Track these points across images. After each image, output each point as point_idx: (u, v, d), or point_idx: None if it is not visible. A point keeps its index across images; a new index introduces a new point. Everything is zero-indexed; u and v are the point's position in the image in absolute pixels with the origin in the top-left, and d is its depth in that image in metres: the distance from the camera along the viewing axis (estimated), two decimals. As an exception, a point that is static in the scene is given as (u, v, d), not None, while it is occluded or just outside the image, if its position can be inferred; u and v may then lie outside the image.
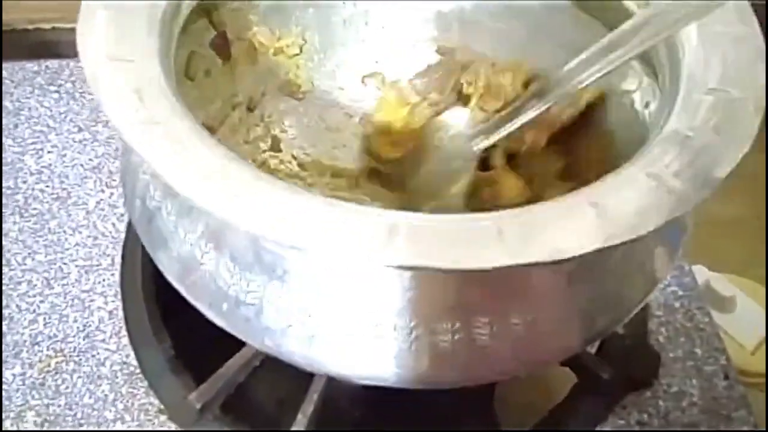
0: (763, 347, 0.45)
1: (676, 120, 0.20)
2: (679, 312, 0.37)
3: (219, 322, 0.22)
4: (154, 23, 0.22)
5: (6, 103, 0.43)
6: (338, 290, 0.20)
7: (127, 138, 0.18)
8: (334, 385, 0.34)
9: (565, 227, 0.17)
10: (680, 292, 0.38)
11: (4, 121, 0.41)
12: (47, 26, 0.58)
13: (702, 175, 0.18)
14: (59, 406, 0.32)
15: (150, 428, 0.31)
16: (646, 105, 0.28)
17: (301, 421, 0.29)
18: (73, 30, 0.55)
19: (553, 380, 0.35)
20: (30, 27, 0.58)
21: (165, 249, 0.22)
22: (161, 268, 0.23)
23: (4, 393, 0.32)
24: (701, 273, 0.47)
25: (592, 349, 0.34)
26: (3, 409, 0.31)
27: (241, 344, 0.31)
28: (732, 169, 0.18)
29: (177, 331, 0.34)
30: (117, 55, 0.20)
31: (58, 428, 0.31)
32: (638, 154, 0.19)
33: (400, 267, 0.16)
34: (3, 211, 0.38)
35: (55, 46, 0.56)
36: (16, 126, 0.41)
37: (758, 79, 0.21)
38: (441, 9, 0.36)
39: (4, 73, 0.44)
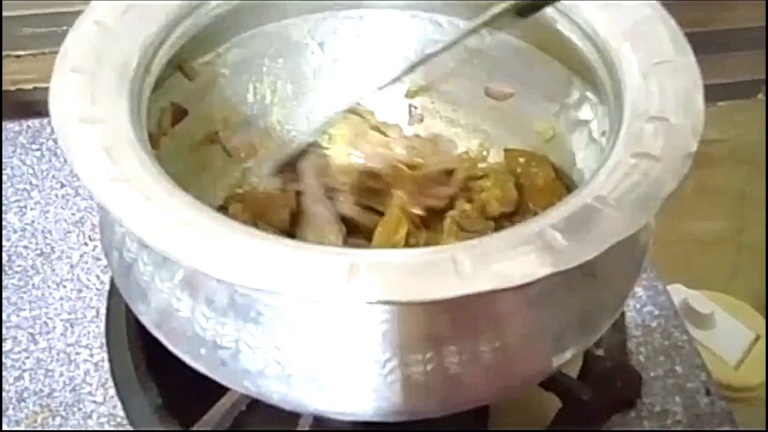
0: (747, 361, 0.45)
1: (620, 148, 0.21)
2: (656, 331, 0.38)
3: (198, 367, 0.23)
4: (125, 82, 0.23)
5: (-11, 163, 0.43)
6: (309, 329, 0.21)
7: (97, 195, 0.19)
8: (322, 423, 0.34)
9: (514, 256, 0.17)
10: (656, 312, 0.39)
11: (-13, 182, 0.42)
12: (28, 87, 0.60)
13: (644, 199, 0.19)
14: (46, 462, 0.32)
15: (138, 479, 0.31)
16: (603, 134, 0.30)
17: (287, 462, 0.29)
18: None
19: (540, 406, 0.35)
20: (12, 88, 0.60)
21: (143, 299, 0.23)
22: (140, 317, 0.24)
23: (-11, 453, 0.32)
24: (679, 292, 0.47)
25: (574, 374, 0.35)
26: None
27: (227, 389, 0.32)
28: (672, 190, 0.19)
29: (163, 380, 0.34)
30: (87, 116, 0.21)
31: (45, 485, 0.31)
32: (583, 183, 0.20)
33: (363, 302, 0.16)
34: (-13, 270, 0.38)
35: (36, 105, 0.57)
36: (-2, 186, 0.42)
37: (695, 105, 0.22)
38: (407, 55, 0.38)
39: (-13, 135, 0.45)
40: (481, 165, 0.37)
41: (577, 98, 0.33)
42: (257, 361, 0.21)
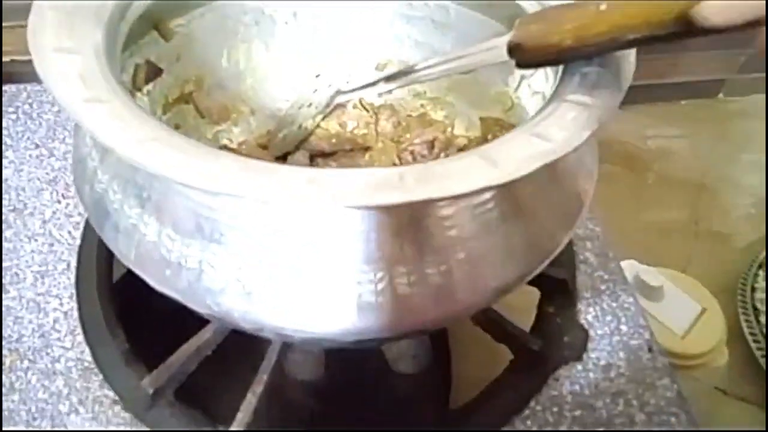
0: (693, 331, 0.48)
1: (556, 93, 0.23)
2: (605, 293, 0.40)
3: (163, 289, 0.24)
4: (101, 22, 0.24)
5: (-36, 124, 0.44)
6: (268, 249, 0.22)
7: (72, 114, 0.20)
8: (286, 372, 0.35)
9: (458, 173, 0.19)
10: (606, 276, 0.41)
11: (-39, 141, 0.43)
12: (6, 59, 0.60)
13: (575, 129, 0.21)
14: (13, 401, 0.32)
15: (104, 419, 0.32)
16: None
17: (250, 400, 0.31)
18: (29, 62, 0.57)
19: (500, 357, 0.37)
20: (-10, 60, 0.60)
21: (113, 226, 0.24)
22: (109, 245, 0.25)
23: (-43, 393, 0.32)
24: (632, 267, 0.50)
25: (526, 328, 0.37)
26: (-43, 408, 0.32)
27: (191, 335, 0.33)
28: (598, 125, 0.21)
29: (131, 330, 0.35)
30: (64, 47, 0.22)
31: (12, 424, 0.32)
32: (525, 121, 0.22)
33: (317, 206, 0.18)
34: (-41, 223, 0.39)
35: (13, 76, 0.57)
36: (-27, 144, 0.43)
37: (628, 59, 0.24)
38: (378, 28, 0.39)
39: (-37, 97, 0.46)
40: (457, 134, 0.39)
41: (533, 70, 0.35)
42: (219, 281, 0.23)
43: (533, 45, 0.25)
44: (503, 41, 0.26)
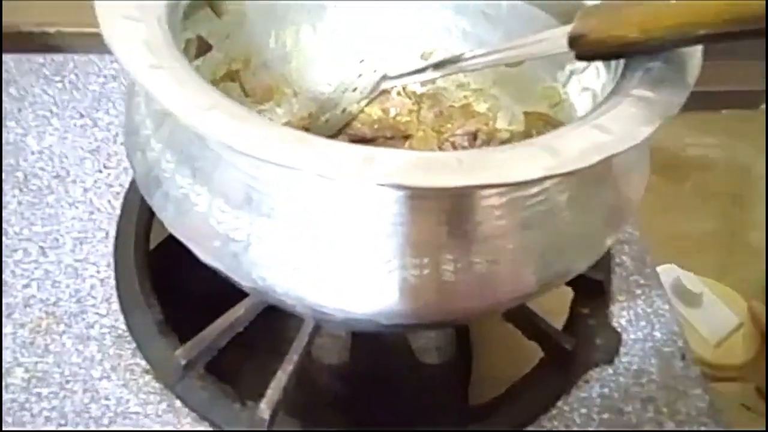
0: (727, 343, 0.47)
1: (618, 88, 0.23)
2: (640, 298, 0.39)
3: (209, 260, 0.24)
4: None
5: (11, 90, 0.45)
6: (319, 225, 0.22)
7: (138, 78, 0.20)
8: (312, 356, 0.36)
9: (517, 161, 0.19)
10: (642, 281, 0.40)
11: (8, 107, 0.44)
12: (52, 30, 0.61)
13: (636, 124, 0.20)
14: (47, 363, 0.33)
15: (135, 387, 0.33)
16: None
17: (280, 378, 0.31)
18: (75, 33, 0.58)
19: (523, 356, 0.37)
20: (35, 30, 0.61)
21: (162, 195, 0.25)
22: (158, 213, 0.25)
23: (-6, 350, 0.33)
24: (672, 271, 0.49)
25: (559, 327, 0.37)
26: (-4, 366, 0.32)
27: (226, 310, 0.33)
28: (661, 122, 0.21)
29: (167, 301, 0.36)
30: (131, 16, 0.23)
31: (45, 385, 0.32)
32: (586, 114, 0.22)
33: (374, 184, 0.18)
34: (3, 186, 0.40)
35: (59, 48, 0.58)
36: (19, 110, 0.44)
37: (694, 56, 0.24)
38: (424, 17, 0.39)
39: (11, 63, 0.47)
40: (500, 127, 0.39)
41: (584, 65, 0.34)
42: (266, 255, 0.23)
43: (596, 37, 0.24)
44: (562, 32, 0.26)
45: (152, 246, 0.39)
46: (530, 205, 0.23)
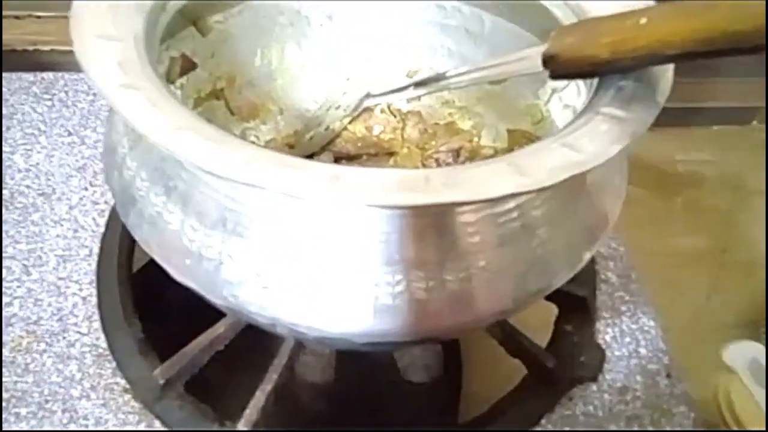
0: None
1: (590, 106, 0.23)
2: (625, 315, 0.39)
3: (183, 279, 0.24)
4: (142, 12, 0.25)
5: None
6: (288, 244, 0.22)
7: (107, 97, 0.20)
8: (296, 373, 0.35)
9: (484, 179, 0.19)
10: (627, 297, 0.40)
11: (-4, 124, 0.44)
12: (46, 48, 0.62)
13: (612, 140, 0.21)
14: (26, 383, 0.33)
15: (114, 406, 0.32)
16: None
17: (259, 398, 0.31)
18: (69, 52, 0.58)
19: (514, 373, 0.36)
20: (30, 48, 0.61)
21: (138, 213, 0.25)
22: (133, 232, 0.25)
23: (-26, 369, 0.33)
24: (749, 348, 0.46)
25: (543, 344, 0.37)
26: (-28, 385, 0.32)
27: (206, 328, 0.33)
28: (632, 139, 0.21)
29: (147, 321, 0.36)
30: (105, 34, 0.23)
31: (24, 405, 0.32)
32: (556, 132, 0.22)
33: (340, 203, 0.18)
34: (-11, 204, 0.40)
35: (52, 66, 0.59)
36: (8, 128, 0.44)
37: (666, 73, 0.24)
38: (411, 35, 0.40)
39: (3, 82, 0.47)
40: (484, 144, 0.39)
41: (565, 83, 0.35)
42: (238, 273, 0.23)
43: (569, 57, 0.24)
44: (537, 51, 0.26)
45: (139, 266, 0.39)
46: (504, 222, 0.23)
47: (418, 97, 0.41)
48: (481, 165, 0.20)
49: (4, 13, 0.55)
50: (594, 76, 0.25)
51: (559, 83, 0.34)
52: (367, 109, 0.39)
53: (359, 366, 0.41)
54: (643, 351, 0.38)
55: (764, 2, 0.19)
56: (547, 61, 0.25)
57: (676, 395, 0.36)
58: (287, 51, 0.40)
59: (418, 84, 0.34)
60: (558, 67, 0.25)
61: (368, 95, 0.38)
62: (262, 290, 0.22)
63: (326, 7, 0.40)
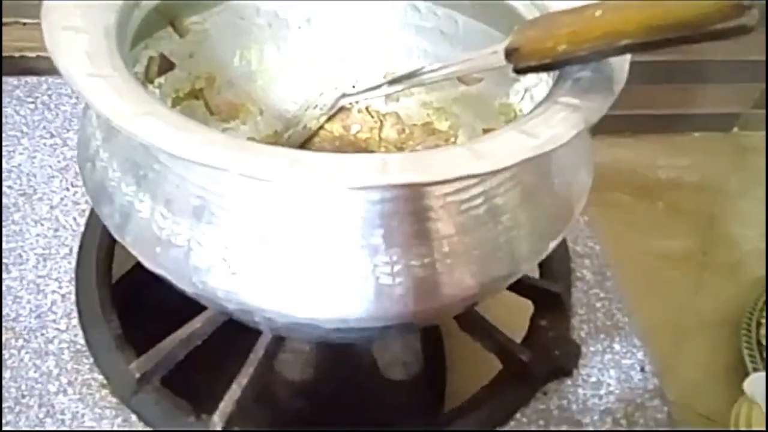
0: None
1: (548, 96, 0.24)
2: (600, 311, 0.40)
3: (153, 267, 0.24)
4: (113, 9, 0.25)
5: (-16, 111, 0.46)
6: (255, 229, 0.23)
7: (74, 85, 0.21)
8: (275, 371, 0.36)
9: (442, 162, 0.20)
10: (602, 294, 0.41)
11: (-20, 127, 0.44)
12: (32, 54, 0.62)
13: (568, 126, 0.21)
14: (4, 378, 0.33)
15: (91, 402, 0.32)
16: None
17: (234, 390, 0.31)
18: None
19: (491, 372, 0.37)
20: (16, 54, 0.62)
21: (109, 203, 0.25)
22: (105, 221, 0.25)
23: (-50, 365, 0.33)
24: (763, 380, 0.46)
25: (519, 340, 0.37)
26: (-51, 381, 0.32)
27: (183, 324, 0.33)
28: (588, 123, 0.21)
29: (126, 318, 0.36)
30: (74, 26, 0.23)
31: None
32: (514, 121, 0.23)
33: (299, 185, 0.18)
34: (-30, 204, 0.40)
35: (38, 72, 0.59)
36: (-9, 131, 0.44)
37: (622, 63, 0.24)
38: (387, 37, 0.40)
39: (-14, 86, 0.48)
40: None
41: (535, 80, 0.35)
42: (205, 259, 0.23)
43: (529, 49, 0.25)
44: (502, 46, 0.27)
45: (121, 272, 0.39)
46: (467, 208, 0.23)
47: (396, 98, 0.42)
48: (439, 151, 0.21)
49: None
50: (554, 68, 0.26)
51: (530, 82, 0.35)
52: (345, 109, 0.40)
53: (339, 365, 0.41)
54: (617, 347, 0.38)
55: (708, -9, 0.20)
56: (510, 54, 0.26)
57: (649, 389, 0.36)
58: (266, 52, 0.40)
59: (393, 81, 0.35)
60: (520, 60, 0.26)
61: (344, 95, 0.39)
62: (230, 276, 0.23)
63: (304, 10, 0.40)
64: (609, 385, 0.36)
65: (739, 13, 0.20)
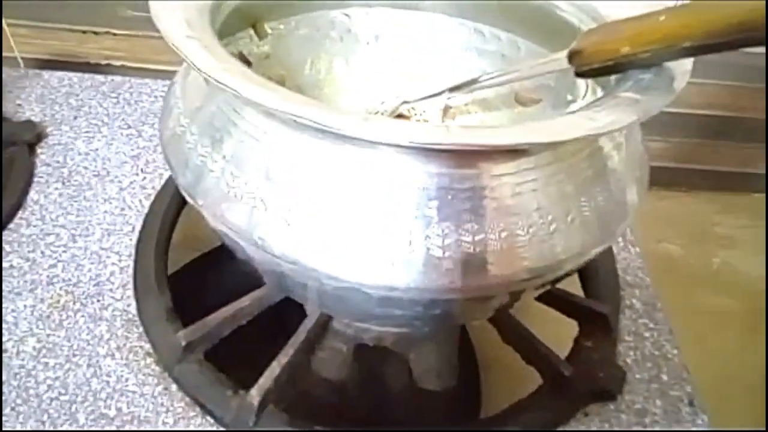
0: None
1: (610, 92, 0.24)
2: (648, 341, 0.39)
3: (217, 223, 0.26)
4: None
5: (71, 100, 0.50)
6: (315, 193, 0.24)
7: (174, 42, 0.23)
8: (312, 370, 0.36)
9: (502, 134, 0.21)
10: (651, 325, 0.40)
11: (66, 114, 0.48)
12: (117, 63, 0.67)
13: (625, 114, 0.22)
14: (58, 336, 0.35)
15: (136, 368, 0.34)
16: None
17: (274, 368, 0.31)
18: (137, 69, 0.63)
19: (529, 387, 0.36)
20: (103, 62, 0.67)
21: (185, 163, 0.27)
22: (177, 180, 0.27)
23: (11, 320, 0.35)
24: None
25: (561, 355, 0.36)
26: (7, 333, 0.34)
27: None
28: (647, 113, 0.22)
29: (179, 295, 0.37)
30: (174, 5, 0.26)
31: (53, 356, 0.34)
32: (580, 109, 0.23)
33: (370, 138, 0.20)
34: (48, 179, 0.43)
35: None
36: (75, 118, 0.48)
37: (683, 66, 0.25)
38: (450, 57, 0.42)
39: (75, 80, 0.52)
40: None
41: (589, 101, 0.36)
42: (268, 217, 0.24)
43: (592, 51, 0.26)
44: (563, 53, 0.28)
45: (175, 268, 0.40)
46: (521, 191, 0.24)
47: (453, 115, 0.43)
48: (502, 128, 0.22)
49: (83, 27, 0.61)
50: (616, 71, 0.26)
51: (582, 102, 0.36)
52: (404, 118, 0.41)
53: (374, 369, 0.41)
54: (665, 377, 0.37)
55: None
56: (573, 56, 0.27)
57: (697, 424, 0.35)
58: (335, 63, 0.43)
59: (453, 88, 0.37)
60: (582, 62, 0.27)
61: (404, 102, 0.41)
62: (288, 234, 0.24)
63: (374, 28, 0.43)
64: (655, 414, 0.35)
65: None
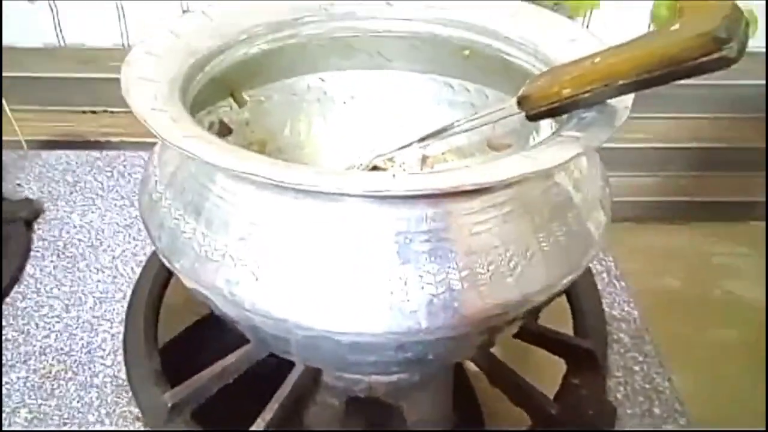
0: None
1: (555, 133, 0.26)
2: (638, 374, 0.38)
3: (190, 282, 0.27)
4: (184, 66, 0.30)
5: (68, 177, 0.52)
6: (278, 246, 0.25)
7: (140, 114, 0.25)
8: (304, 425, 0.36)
9: (442, 178, 0.22)
10: (640, 358, 0.39)
11: (62, 190, 0.50)
12: (116, 139, 0.71)
13: (565, 150, 0.23)
14: (49, 406, 0.35)
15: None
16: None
17: (258, 424, 0.32)
18: (135, 143, 0.66)
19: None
20: (102, 139, 0.70)
21: (160, 227, 0.28)
22: (155, 244, 0.28)
23: (5, 392, 0.36)
24: None
25: (550, 395, 0.36)
26: (2, 405, 0.35)
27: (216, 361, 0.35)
28: (588, 146, 0.23)
29: (167, 359, 0.38)
30: (146, 77, 0.28)
31: (44, 426, 0.34)
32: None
33: (347, 194, 0.21)
34: (44, 253, 0.45)
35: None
36: (71, 193, 0.50)
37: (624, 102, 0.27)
38: (423, 111, 0.44)
39: (72, 157, 0.54)
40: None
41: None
42: (236, 272, 0.25)
43: (538, 95, 0.28)
44: (514, 99, 0.29)
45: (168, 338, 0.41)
46: (479, 231, 0.25)
47: (431, 165, 0.44)
48: (442, 171, 0.23)
49: (82, 108, 0.65)
50: (563, 112, 0.28)
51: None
52: (379, 168, 0.43)
53: (369, 423, 0.41)
54: (657, 411, 0.36)
55: (690, 31, 0.22)
56: (522, 102, 0.29)
57: (693, 456, 0.34)
58: (314, 123, 0.45)
59: (422, 138, 0.38)
60: (531, 107, 0.28)
61: (378, 155, 0.42)
62: (255, 284, 0.25)
63: (349, 89, 0.45)
64: (648, 450, 0.34)
65: (718, 47, 0.22)
